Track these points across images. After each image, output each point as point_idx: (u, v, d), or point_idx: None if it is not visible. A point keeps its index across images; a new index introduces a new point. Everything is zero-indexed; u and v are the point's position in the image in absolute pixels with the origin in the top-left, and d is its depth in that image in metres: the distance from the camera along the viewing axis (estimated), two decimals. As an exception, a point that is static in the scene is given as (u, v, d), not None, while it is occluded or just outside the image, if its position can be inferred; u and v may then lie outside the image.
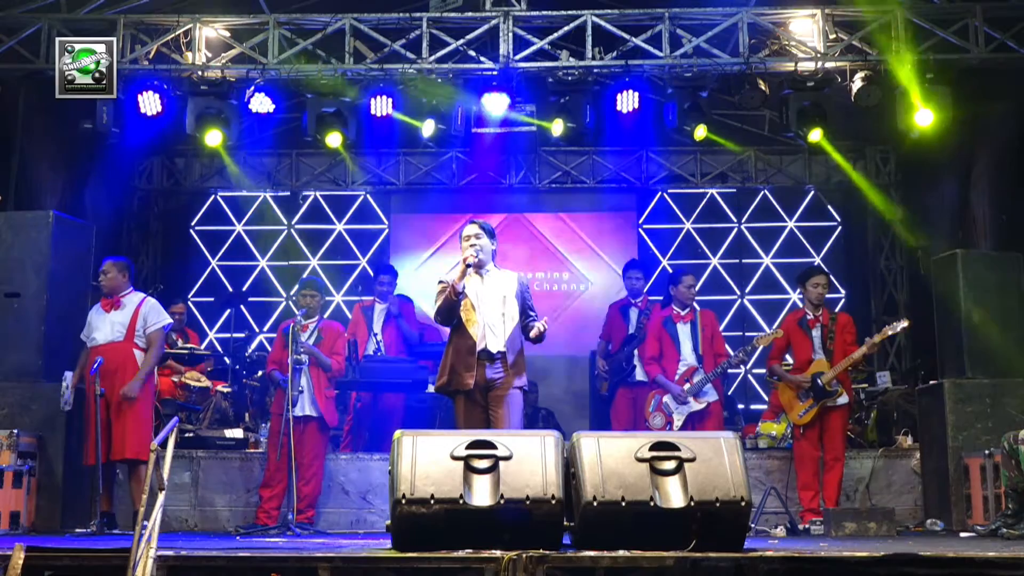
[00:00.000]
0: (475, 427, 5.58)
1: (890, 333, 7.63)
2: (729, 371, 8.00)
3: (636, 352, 8.50)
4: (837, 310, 11.17)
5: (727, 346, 8.41)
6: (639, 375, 8.43)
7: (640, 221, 11.99)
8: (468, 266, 5.66)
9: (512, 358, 5.74)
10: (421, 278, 11.49)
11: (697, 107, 8.89)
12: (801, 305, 7.89)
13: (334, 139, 9.08)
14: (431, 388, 8.29)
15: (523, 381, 5.79)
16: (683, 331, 7.68)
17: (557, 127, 8.93)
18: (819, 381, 7.35)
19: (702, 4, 8.91)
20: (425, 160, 11.65)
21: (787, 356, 7.74)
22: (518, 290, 5.85)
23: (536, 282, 11.78)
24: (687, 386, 7.54)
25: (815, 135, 8.90)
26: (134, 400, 6.72)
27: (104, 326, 6.89)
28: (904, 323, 7.58)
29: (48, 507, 7.02)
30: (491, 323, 5.71)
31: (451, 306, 5.67)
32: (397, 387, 8.43)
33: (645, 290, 8.90)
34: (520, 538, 4.27)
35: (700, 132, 8.95)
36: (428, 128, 9.20)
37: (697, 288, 7.91)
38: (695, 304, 7.92)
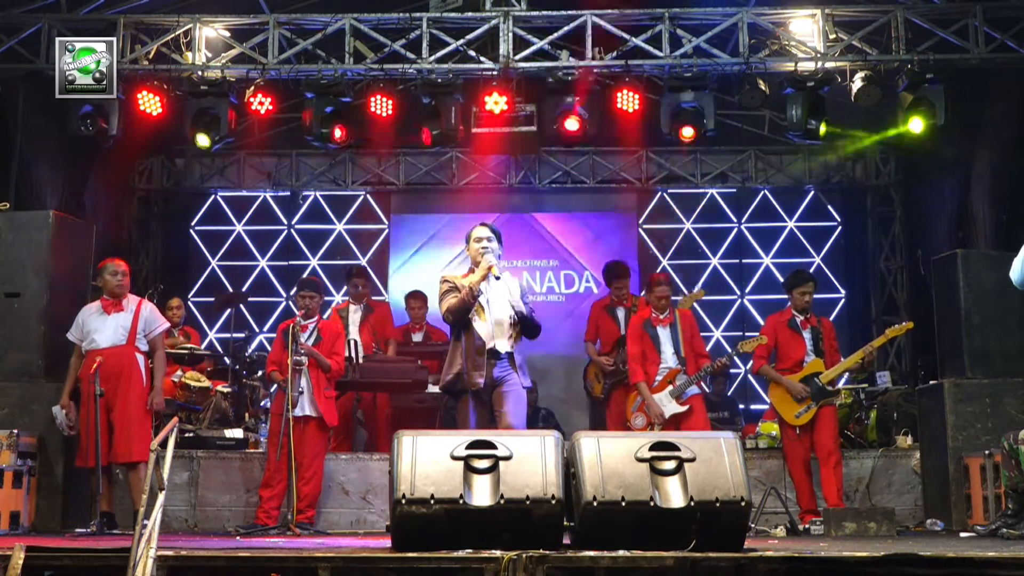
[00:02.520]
0: (481, 425, 5.70)
1: (891, 336, 7.62)
2: (714, 374, 7.93)
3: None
4: (836, 311, 11.27)
5: (725, 345, 8.38)
6: None
7: (640, 221, 11.99)
8: (490, 273, 5.81)
9: (519, 359, 5.88)
10: (421, 278, 11.50)
11: (690, 109, 8.90)
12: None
13: (338, 132, 9.03)
14: (432, 387, 8.32)
15: (528, 381, 5.92)
16: (663, 334, 7.63)
17: (572, 123, 8.95)
18: (818, 381, 7.33)
19: (702, 4, 8.92)
20: (425, 160, 11.66)
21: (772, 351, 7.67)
22: (520, 294, 6.01)
23: (536, 282, 11.79)
24: (669, 388, 7.51)
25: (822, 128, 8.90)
26: (161, 407, 6.93)
27: (106, 329, 6.84)
28: (906, 323, 7.58)
29: (48, 507, 7.02)
30: (500, 324, 5.85)
31: (467, 308, 5.80)
32: (397, 387, 8.42)
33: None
34: (520, 538, 4.27)
35: (688, 133, 8.95)
36: (426, 136, 9.26)
37: (671, 294, 7.82)
38: (672, 306, 7.84)
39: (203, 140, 9.02)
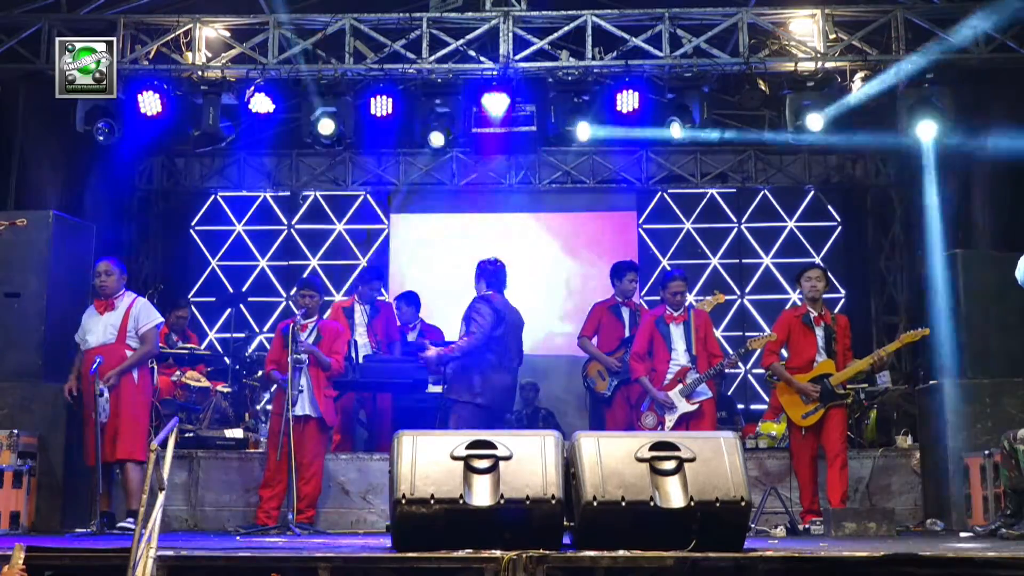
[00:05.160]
0: None
1: (906, 341, 7.59)
2: (724, 372, 7.90)
3: None
4: (837, 311, 11.25)
5: (725, 345, 8.35)
6: None
7: (640, 221, 11.99)
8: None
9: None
10: (421, 278, 11.50)
11: (682, 106, 8.91)
12: (800, 303, 7.79)
13: (326, 126, 8.97)
14: (433, 387, 8.33)
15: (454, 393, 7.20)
16: (676, 332, 7.59)
17: (583, 131, 8.99)
18: (828, 383, 7.28)
19: (702, 4, 8.92)
20: (425, 160, 11.65)
21: (782, 352, 7.64)
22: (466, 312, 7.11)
23: (536, 282, 11.79)
24: (680, 386, 7.47)
25: (816, 123, 8.86)
26: (115, 387, 6.68)
27: (97, 328, 6.85)
28: (922, 330, 7.54)
29: (48, 507, 7.01)
30: None
31: None
32: (397, 387, 8.41)
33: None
34: (520, 538, 4.28)
35: (676, 130, 8.95)
36: (437, 139, 9.25)
37: (686, 291, 7.82)
38: (688, 305, 7.84)
39: (202, 141, 9.05)
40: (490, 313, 7.12)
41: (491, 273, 7.32)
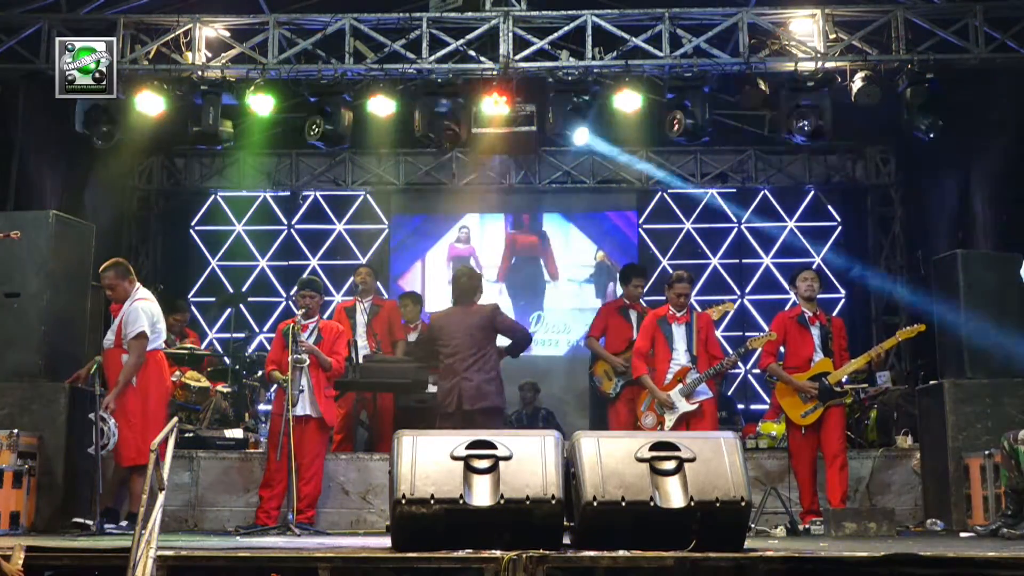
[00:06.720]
0: None
1: (902, 338, 7.58)
2: (725, 372, 7.88)
3: None
4: (837, 311, 11.26)
5: (727, 346, 8.34)
6: None
7: (640, 221, 11.99)
8: None
9: None
10: (421, 278, 11.52)
11: (682, 106, 8.91)
12: (797, 305, 7.77)
13: (316, 128, 9.00)
14: (432, 387, 8.33)
15: None
16: (678, 332, 7.57)
17: (581, 136, 8.99)
18: (826, 381, 7.28)
19: (702, 4, 8.92)
20: (425, 160, 11.67)
21: (780, 351, 7.63)
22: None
23: (535, 282, 11.79)
24: (680, 386, 7.45)
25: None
26: (114, 411, 6.61)
27: (109, 332, 6.89)
28: (918, 326, 7.53)
29: (48, 507, 7.00)
30: None
31: None
32: (397, 387, 8.40)
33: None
34: (520, 538, 4.28)
35: (676, 128, 8.95)
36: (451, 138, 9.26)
37: (691, 292, 7.80)
38: (692, 305, 7.83)
39: (202, 141, 9.05)
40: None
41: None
